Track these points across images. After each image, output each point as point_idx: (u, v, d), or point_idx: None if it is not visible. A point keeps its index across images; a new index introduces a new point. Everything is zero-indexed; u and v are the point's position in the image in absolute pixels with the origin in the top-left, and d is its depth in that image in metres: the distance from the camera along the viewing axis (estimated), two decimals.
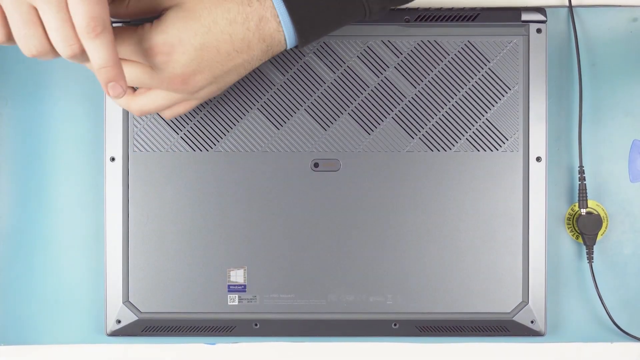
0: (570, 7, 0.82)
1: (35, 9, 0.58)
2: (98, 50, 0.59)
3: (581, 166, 0.81)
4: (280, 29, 0.65)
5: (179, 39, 0.63)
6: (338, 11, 0.66)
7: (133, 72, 0.65)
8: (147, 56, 0.64)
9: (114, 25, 0.73)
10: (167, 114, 0.72)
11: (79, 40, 0.59)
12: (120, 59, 0.63)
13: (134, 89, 0.70)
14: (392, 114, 0.80)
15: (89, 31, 0.58)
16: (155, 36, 0.63)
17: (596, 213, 0.82)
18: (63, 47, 0.59)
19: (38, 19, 0.59)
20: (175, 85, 0.66)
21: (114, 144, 0.79)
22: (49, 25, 0.58)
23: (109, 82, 0.61)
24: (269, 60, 0.79)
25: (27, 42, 0.60)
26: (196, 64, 0.64)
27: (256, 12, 0.64)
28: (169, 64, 0.64)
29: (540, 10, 0.79)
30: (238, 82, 0.79)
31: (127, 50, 0.64)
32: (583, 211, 0.82)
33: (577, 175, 0.82)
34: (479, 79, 0.79)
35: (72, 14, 0.58)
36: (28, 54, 0.61)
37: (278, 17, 0.64)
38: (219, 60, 0.65)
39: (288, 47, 0.67)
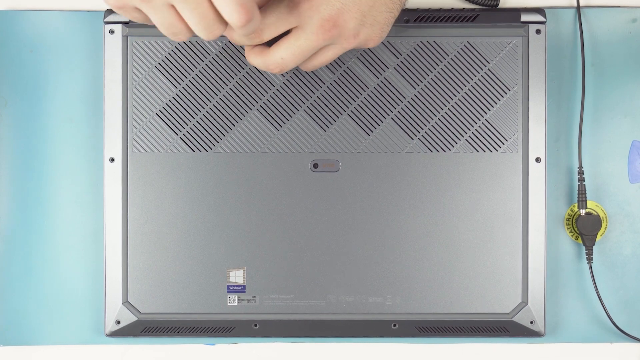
0: (579, 7, 0.82)
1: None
2: (246, 31, 0.61)
3: (580, 167, 0.81)
4: None
5: None
6: None
7: (290, 45, 0.66)
8: (291, 12, 0.64)
9: None
10: (309, 65, 0.71)
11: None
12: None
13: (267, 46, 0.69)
14: (392, 115, 0.80)
15: (240, 20, 0.59)
16: None
17: (595, 214, 0.82)
18: (205, 32, 0.61)
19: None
20: (329, 32, 0.65)
21: (113, 145, 0.79)
22: (189, 20, 0.60)
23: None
24: None
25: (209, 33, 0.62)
26: (340, 2, 0.65)
27: None
28: (314, 9, 0.64)
29: (539, 11, 0.80)
30: (237, 82, 0.79)
31: (272, 19, 0.65)
32: (582, 212, 0.82)
33: (577, 176, 0.82)
34: (478, 79, 0.79)
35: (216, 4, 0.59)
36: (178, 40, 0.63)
37: None
38: None
39: None
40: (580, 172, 0.81)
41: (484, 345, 0.83)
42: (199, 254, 0.80)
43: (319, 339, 0.83)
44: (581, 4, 0.83)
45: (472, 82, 0.79)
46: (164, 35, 0.78)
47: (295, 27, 0.66)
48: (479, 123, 0.80)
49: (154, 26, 0.67)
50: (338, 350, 0.83)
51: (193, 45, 0.79)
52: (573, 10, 0.83)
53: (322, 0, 0.65)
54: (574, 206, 0.83)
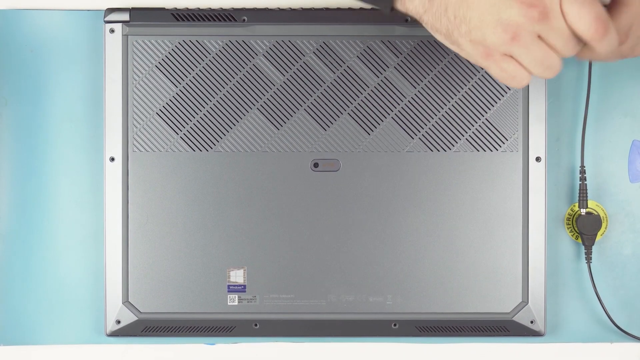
0: None
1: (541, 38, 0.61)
2: (608, 45, 0.61)
3: (582, 166, 0.81)
4: None
5: None
6: None
7: None
8: None
9: None
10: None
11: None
12: None
13: None
14: (392, 114, 0.80)
15: (597, 34, 0.59)
16: None
17: (596, 213, 0.82)
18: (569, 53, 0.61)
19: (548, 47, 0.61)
20: None
21: (113, 144, 0.79)
22: (556, 45, 0.61)
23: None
24: (269, 60, 0.79)
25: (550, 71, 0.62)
26: None
27: None
28: None
29: None
30: (237, 82, 0.79)
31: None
32: (583, 211, 0.82)
33: (578, 175, 0.82)
34: (478, 79, 0.79)
35: (572, 25, 0.59)
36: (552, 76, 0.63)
37: None
38: None
39: None
40: (583, 172, 0.81)
41: (484, 345, 0.83)
42: (199, 254, 0.79)
43: (319, 339, 0.82)
44: None
45: (472, 82, 0.79)
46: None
47: None
48: (479, 122, 0.80)
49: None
50: (338, 350, 0.83)
51: (193, 45, 0.79)
52: None
53: None
54: (574, 206, 0.83)
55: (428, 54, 0.79)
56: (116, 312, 0.79)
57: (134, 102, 0.79)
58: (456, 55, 0.79)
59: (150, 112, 0.79)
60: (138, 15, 0.79)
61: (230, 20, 0.79)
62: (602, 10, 0.59)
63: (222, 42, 0.79)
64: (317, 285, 0.80)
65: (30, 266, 0.82)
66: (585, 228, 0.81)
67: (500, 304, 0.80)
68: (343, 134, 0.80)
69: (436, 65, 0.79)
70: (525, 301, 0.80)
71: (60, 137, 0.82)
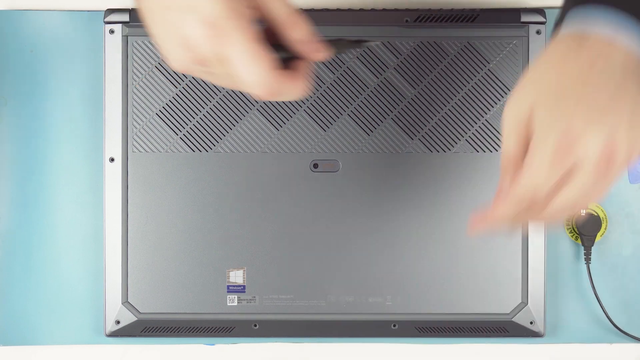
0: None
1: None
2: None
3: None
4: None
5: None
6: None
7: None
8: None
9: None
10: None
11: None
12: None
13: None
14: (392, 115, 0.80)
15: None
16: None
17: (595, 214, 0.82)
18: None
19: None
20: None
21: (113, 145, 0.79)
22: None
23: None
24: None
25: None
26: None
27: None
28: None
29: (539, 11, 0.80)
30: None
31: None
32: (582, 212, 0.82)
33: None
34: (478, 79, 0.79)
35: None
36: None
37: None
38: None
39: None
40: None
41: (484, 345, 0.83)
42: (199, 254, 0.80)
43: (319, 339, 0.83)
44: None
45: (472, 82, 0.79)
46: None
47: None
48: (479, 123, 0.80)
49: None
50: (338, 351, 0.83)
51: None
52: None
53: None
54: None
55: (428, 54, 0.79)
56: (116, 312, 0.79)
57: (134, 102, 0.79)
58: (456, 56, 0.79)
59: (150, 112, 0.79)
60: (138, 16, 0.79)
61: None
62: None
63: None
64: (317, 285, 0.80)
65: (30, 266, 0.83)
66: (584, 229, 0.81)
67: (500, 304, 0.80)
68: (343, 135, 0.80)
69: (436, 66, 0.79)
70: (524, 302, 0.80)
71: (60, 137, 0.83)
